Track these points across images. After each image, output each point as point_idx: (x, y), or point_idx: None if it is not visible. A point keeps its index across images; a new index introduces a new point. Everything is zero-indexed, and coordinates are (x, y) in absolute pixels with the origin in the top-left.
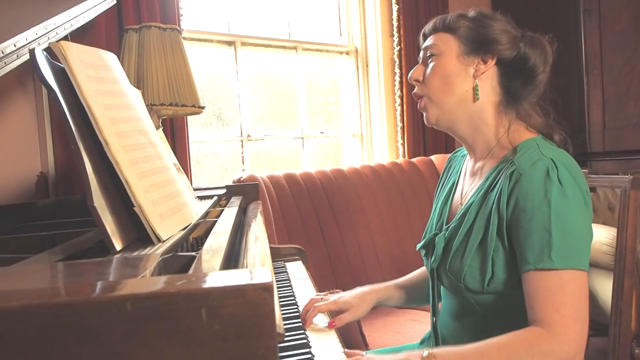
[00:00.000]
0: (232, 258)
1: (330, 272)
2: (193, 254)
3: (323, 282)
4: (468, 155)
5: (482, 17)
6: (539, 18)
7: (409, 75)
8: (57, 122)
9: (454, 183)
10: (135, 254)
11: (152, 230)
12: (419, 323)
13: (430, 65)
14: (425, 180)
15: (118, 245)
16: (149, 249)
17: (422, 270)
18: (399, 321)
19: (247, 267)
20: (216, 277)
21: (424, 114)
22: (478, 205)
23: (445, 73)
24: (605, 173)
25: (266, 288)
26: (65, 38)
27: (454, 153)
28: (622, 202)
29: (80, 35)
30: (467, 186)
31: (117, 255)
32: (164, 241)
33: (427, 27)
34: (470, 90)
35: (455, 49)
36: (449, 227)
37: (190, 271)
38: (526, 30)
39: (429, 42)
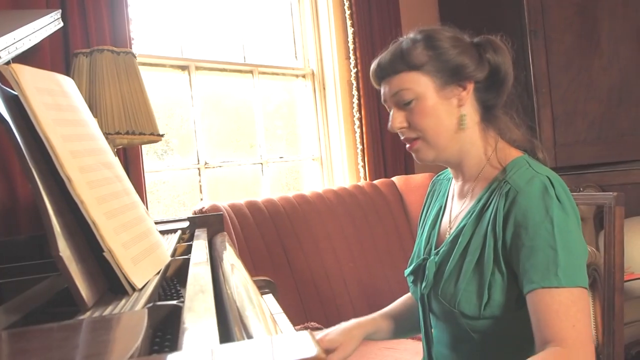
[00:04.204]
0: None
1: (298, 301)
2: (175, 302)
3: (292, 313)
4: (454, 178)
5: (434, 42)
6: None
7: (390, 126)
8: None
9: (441, 207)
10: (109, 309)
11: (126, 278)
12: (395, 351)
13: (413, 111)
14: (388, 202)
15: (89, 300)
16: (124, 301)
17: (407, 296)
18: (373, 350)
19: (232, 297)
20: (243, 353)
21: (416, 155)
22: (472, 227)
23: (434, 113)
24: None
25: None
26: (7, 64)
27: (438, 176)
28: (608, 219)
29: (23, 60)
30: (457, 209)
31: (90, 315)
32: (140, 290)
33: (384, 67)
34: (457, 121)
35: (432, 87)
36: (438, 251)
37: (183, 330)
38: (471, 33)
39: (396, 86)
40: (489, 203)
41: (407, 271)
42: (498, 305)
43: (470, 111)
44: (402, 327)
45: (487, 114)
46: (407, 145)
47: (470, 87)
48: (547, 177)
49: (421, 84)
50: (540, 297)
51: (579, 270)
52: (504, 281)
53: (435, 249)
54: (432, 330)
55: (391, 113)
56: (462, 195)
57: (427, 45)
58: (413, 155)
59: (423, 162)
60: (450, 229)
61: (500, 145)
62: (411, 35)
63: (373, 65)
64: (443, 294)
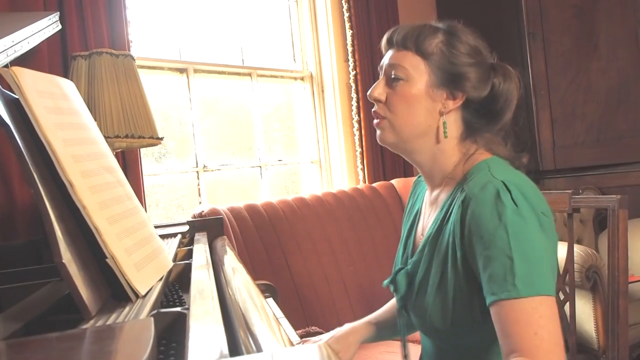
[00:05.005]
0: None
1: (298, 305)
2: (179, 309)
3: (292, 317)
4: (427, 184)
5: (454, 40)
6: (485, 42)
7: (369, 92)
8: None
9: (417, 211)
10: (113, 317)
11: (129, 284)
12: (396, 355)
13: (396, 89)
14: (387, 205)
15: (92, 308)
16: (127, 309)
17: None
18: (373, 354)
19: (236, 301)
20: None
21: (379, 132)
22: (435, 239)
23: (413, 104)
24: (557, 190)
25: None
26: (5, 67)
27: (419, 177)
28: (612, 222)
29: (21, 63)
30: (426, 217)
31: (94, 323)
32: (143, 296)
33: (397, 38)
34: (434, 126)
35: (425, 78)
36: (412, 261)
37: (189, 340)
38: (495, 55)
39: (395, 60)
40: (449, 212)
41: (386, 282)
42: (466, 318)
43: (451, 125)
44: (394, 329)
45: (469, 133)
46: (375, 121)
47: (460, 100)
48: (503, 181)
49: (418, 71)
50: (500, 309)
51: (540, 278)
52: (468, 293)
53: (410, 258)
54: (420, 339)
55: (377, 82)
56: (432, 202)
57: (446, 40)
58: (377, 132)
59: (383, 143)
60: (422, 236)
61: (472, 153)
62: (440, 24)
63: (390, 31)
64: (416, 307)
